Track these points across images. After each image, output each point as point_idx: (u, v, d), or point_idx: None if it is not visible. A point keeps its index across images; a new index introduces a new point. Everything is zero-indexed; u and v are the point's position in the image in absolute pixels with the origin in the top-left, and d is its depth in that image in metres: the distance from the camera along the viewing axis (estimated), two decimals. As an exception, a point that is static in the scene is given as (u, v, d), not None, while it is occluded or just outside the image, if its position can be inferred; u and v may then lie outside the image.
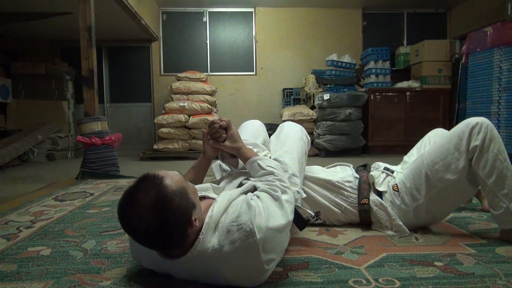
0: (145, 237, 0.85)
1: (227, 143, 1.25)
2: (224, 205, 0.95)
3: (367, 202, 1.43)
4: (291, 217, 1.01)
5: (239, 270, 0.91)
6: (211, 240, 0.89)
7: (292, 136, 1.45)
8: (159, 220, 0.82)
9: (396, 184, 1.43)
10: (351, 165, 1.61)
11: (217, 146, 1.27)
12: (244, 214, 0.90)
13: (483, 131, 1.27)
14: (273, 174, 1.11)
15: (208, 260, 0.89)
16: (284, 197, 1.02)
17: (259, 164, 1.16)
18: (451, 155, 1.31)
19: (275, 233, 0.92)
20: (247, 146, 1.29)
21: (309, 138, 1.57)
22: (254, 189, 1.09)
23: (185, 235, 0.88)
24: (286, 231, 0.99)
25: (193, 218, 0.88)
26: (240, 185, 1.18)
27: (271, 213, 0.94)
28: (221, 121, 1.26)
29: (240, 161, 1.30)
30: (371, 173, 1.51)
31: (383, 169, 1.52)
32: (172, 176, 0.89)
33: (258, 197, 0.98)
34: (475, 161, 1.27)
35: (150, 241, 0.87)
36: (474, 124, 1.28)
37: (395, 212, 1.40)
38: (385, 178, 1.49)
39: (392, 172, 1.50)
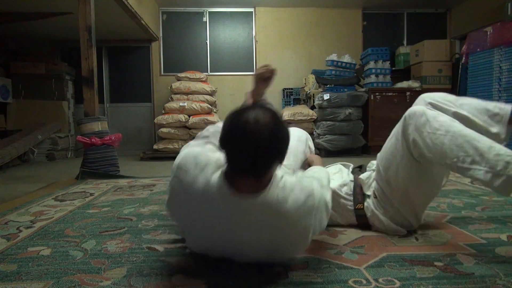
0: (264, 147, 0.89)
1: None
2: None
3: (361, 207, 1.42)
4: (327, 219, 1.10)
5: (291, 232, 0.99)
6: (277, 192, 0.96)
7: (294, 149, 1.42)
8: (280, 132, 0.92)
9: (374, 191, 1.41)
10: (352, 165, 1.60)
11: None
12: (310, 185, 1.03)
13: (411, 122, 1.25)
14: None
15: (270, 212, 0.95)
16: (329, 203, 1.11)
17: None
18: (395, 156, 1.31)
19: (326, 208, 1.06)
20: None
21: (314, 149, 1.56)
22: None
23: (277, 163, 0.95)
24: (329, 214, 1.10)
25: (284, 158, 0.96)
26: None
27: (328, 200, 1.08)
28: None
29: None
30: (361, 176, 1.48)
31: (375, 167, 1.51)
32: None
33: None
34: (421, 154, 1.23)
35: (265, 150, 0.90)
36: (403, 120, 1.29)
37: (385, 214, 1.37)
38: (373, 179, 1.45)
39: None
